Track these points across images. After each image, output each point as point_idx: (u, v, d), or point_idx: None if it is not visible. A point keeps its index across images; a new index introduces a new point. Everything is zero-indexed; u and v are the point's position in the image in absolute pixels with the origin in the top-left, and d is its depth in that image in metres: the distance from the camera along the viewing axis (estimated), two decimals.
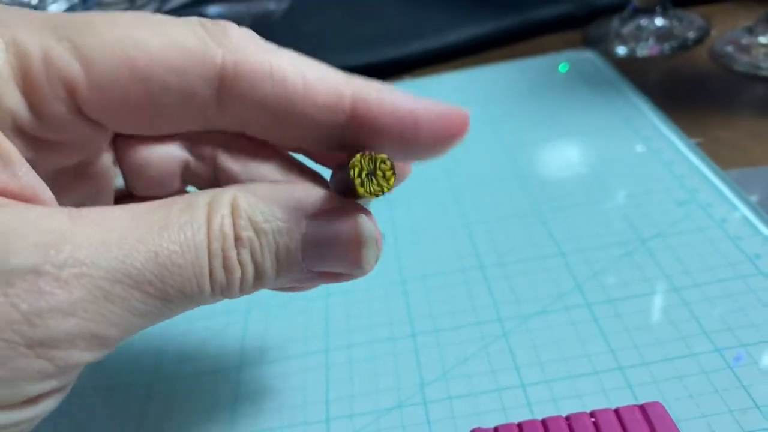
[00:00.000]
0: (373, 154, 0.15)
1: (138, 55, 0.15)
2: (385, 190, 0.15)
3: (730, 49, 0.39)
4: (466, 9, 0.49)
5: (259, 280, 0.16)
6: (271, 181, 0.17)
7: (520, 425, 0.19)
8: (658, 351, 0.22)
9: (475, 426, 0.20)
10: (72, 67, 0.14)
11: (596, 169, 0.32)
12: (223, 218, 0.15)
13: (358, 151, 0.15)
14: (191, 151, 0.18)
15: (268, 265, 0.15)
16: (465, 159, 0.34)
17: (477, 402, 0.21)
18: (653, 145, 0.32)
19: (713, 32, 0.42)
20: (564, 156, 0.33)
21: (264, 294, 0.19)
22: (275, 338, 0.26)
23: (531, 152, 0.34)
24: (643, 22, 0.43)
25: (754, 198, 0.28)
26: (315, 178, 0.19)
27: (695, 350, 0.22)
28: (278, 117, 0.16)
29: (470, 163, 0.34)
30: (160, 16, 0.16)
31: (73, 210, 0.14)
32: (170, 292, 0.14)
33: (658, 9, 0.43)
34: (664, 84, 0.39)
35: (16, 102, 0.14)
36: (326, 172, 0.19)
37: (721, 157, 0.30)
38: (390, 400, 0.22)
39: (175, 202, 0.15)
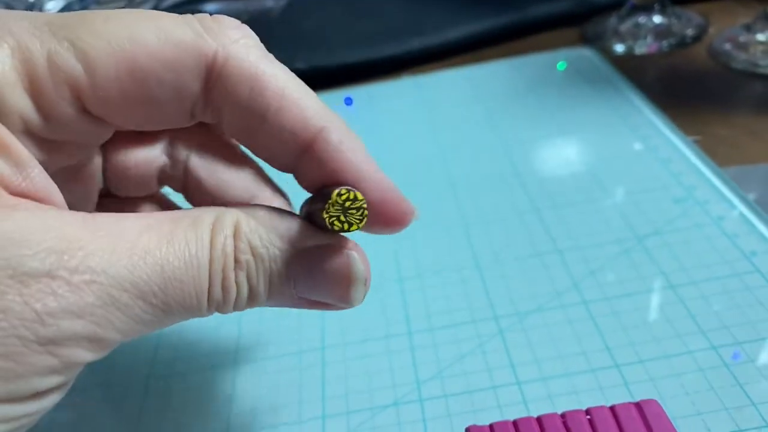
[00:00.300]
0: (351, 192, 0.15)
1: (137, 52, 0.15)
2: (355, 228, 0.15)
3: (728, 46, 0.39)
4: (465, 6, 0.49)
5: (252, 300, 0.16)
6: (270, 205, 0.18)
7: (515, 423, 0.19)
8: (654, 348, 0.22)
9: (470, 423, 0.20)
10: (75, 69, 0.15)
11: (593, 166, 0.32)
12: (225, 239, 0.16)
13: (327, 186, 0.15)
14: (169, 154, 0.20)
15: (262, 288, 0.16)
16: (462, 156, 0.34)
17: (473, 399, 0.21)
18: (651, 143, 0.32)
19: (711, 30, 0.42)
20: (561, 153, 0.33)
21: None
22: (271, 335, 0.26)
23: (528, 149, 0.34)
24: (641, 19, 0.43)
25: (751, 196, 0.28)
26: (279, 198, 0.21)
27: (691, 348, 0.22)
28: (251, 125, 0.17)
29: (467, 160, 0.34)
30: (157, 12, 0.16)
31: (87, 216, 0.14)
32: (172, 304, 0.15)
33: (656, 6, 0.43)
34: (662, 81, 0.39)
35: (24, 105, 0.15)
36: (295, 194, 0.20)
37: (718, 155, 0.30)
38: (386, 398, 0.22)
39: (183, 218, 0.16)
